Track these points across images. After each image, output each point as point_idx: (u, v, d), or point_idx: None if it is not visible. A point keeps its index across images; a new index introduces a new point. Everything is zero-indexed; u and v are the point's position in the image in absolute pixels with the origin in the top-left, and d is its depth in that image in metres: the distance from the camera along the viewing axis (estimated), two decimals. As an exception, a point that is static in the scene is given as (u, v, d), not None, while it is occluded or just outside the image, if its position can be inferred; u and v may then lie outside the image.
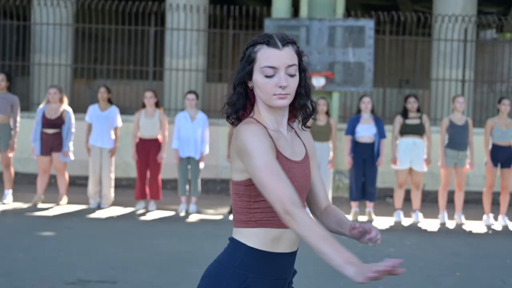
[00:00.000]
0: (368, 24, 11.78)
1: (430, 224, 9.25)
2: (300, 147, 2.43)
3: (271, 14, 12.55)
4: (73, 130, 9.62)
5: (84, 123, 10.02)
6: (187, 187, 9.59)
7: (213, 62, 18.32)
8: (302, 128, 2.47)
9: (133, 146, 9.59)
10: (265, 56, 2.32)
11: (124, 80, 14.73)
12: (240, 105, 2.38)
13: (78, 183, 11.86)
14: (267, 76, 2.31)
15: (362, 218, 9.47)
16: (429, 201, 11.46)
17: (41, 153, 9.49)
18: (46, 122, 9.47)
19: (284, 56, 2.32)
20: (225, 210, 9.69)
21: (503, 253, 7.58)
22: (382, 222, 9.27)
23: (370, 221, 9.35)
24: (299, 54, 2.39)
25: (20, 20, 13.92)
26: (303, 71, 2.40)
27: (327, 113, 9.75)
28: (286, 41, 2.35)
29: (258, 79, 2.33)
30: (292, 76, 2.33)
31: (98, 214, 9.15)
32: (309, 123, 2.46)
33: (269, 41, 2.34)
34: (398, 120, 9.47)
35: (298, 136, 2.45)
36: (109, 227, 8.26)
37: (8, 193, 9.72)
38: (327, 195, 2.51)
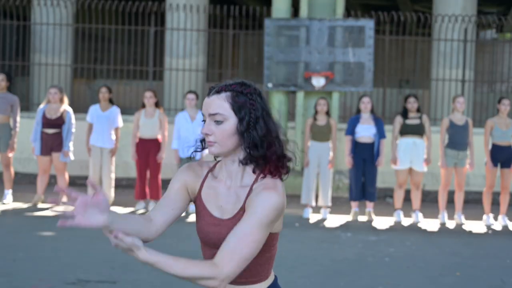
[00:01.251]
0: (368, 24, 11.78)
1: (430, 224, 9.25)
2: (235, 205, 2.25)
3: (271, 14, 12.55)
4: (73, 130, 9.63)
5: (84, 123, 10.02)
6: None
7: (213, 62, 18.33)
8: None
9: (133, 146, 9.59)
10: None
11: (124, 80, 14.73)
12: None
13: (78, 183, 11.86)
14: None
15: (362, 218, 9.47)
16: (429, 201, 11.47)
17: (41, 153, 9.49)
18: (46, 122, 9.47)
19: (208, 104, 2.27)
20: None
21: (503, 253, 7.58)
22: (382, 222, 9.27)
23: (370, 221, 9.35)
24: (241, 102, 2.27)
25: (20, 20, 13.92)
26: (254, 119, 2.25)
27: (327, 113, 9.75)
28: (220, 89, 2.28)
29: None
30: (218, 123, 2.24)
31: (98, 214, 9.14)
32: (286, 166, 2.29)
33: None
34: (398, 120, 9.47)
35: (248, 195, 2.23)
36: (109, 227, 8.26)
37: (8, 193, 9.72)
38: (224, 255, 2.15)
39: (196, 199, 2.39)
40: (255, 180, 2.25)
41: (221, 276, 2.13)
